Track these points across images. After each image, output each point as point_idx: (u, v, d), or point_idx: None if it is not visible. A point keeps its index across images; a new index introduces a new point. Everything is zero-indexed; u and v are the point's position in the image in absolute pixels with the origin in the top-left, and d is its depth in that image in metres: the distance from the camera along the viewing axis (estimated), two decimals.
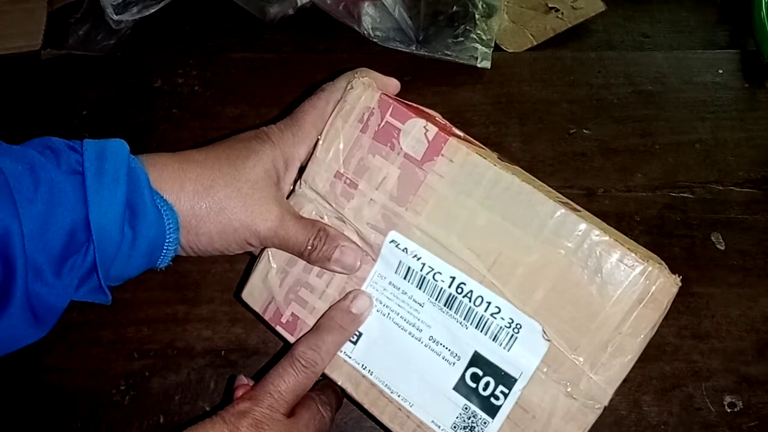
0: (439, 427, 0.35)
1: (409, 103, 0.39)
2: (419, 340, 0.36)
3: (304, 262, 0.39)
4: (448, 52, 0.66)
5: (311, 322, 0.39)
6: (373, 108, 0.37)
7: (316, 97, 0.38)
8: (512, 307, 0.34)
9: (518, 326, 0.34)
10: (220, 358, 0.49)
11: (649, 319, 0.32)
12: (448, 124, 0.40)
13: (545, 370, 0.33)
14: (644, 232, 0.55)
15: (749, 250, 0.54)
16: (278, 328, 0.40)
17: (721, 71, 0.65)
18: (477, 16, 0.67)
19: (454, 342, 0.35)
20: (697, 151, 0.60)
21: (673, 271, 0.33)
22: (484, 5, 0.68)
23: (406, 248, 0.36)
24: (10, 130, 0.61)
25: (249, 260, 0.49)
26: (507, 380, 0.34)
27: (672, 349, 0.49)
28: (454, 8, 0.67)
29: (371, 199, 0.37)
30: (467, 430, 0.35)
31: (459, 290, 0.35)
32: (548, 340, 0.33)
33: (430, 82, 0.65)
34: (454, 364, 0.35)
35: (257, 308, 0.40)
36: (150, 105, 0.63)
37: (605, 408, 0.33)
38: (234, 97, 0.64)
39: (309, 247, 0.37)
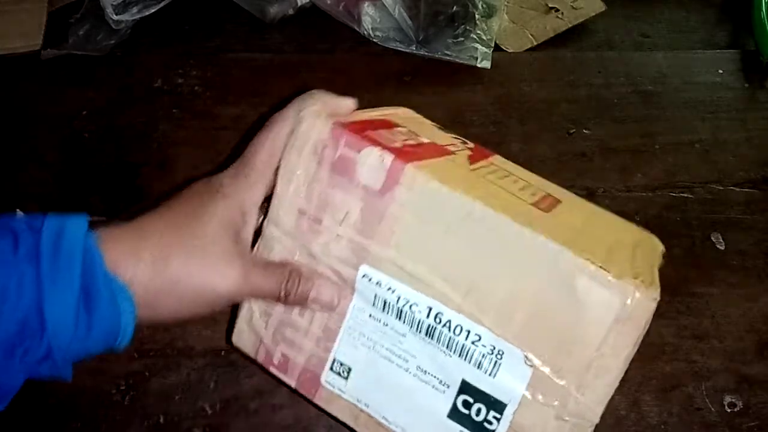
0: None
1: (369, 118, 0.38)
2: (407, 371, 0.36)
3: None
4: (448, 52, 0.66)
5: (301, 360, 0.38)
6: (326, 140, 0.35)
7: (266, 132, 0.36)
8: (492, 335, 0.33)
9: (500, 353, 0.33)
10: (220, 357, 0.49)
11: (628, 338, 0.31)
12: (413, 132, 0.39)
13: (533, 394, 0.33)
14: None
15: (749, 250, 0.54)
16: (272, 369, 0.39)
17: (721, 71, 0.65)
18: (477, 16, 0.67)
19: (441, 371, 0.35)
20: (697, 151, 0.60)
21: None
22: (484, 5, 0.68)
23: (379, 282, 0.35)
24: (10, 130, 0.61)
25: None
26: (497, 405, 0.34)
27: (672, 349, 0.49)
28: (454, 8, 0.67)
29: (337, 234, 0.35)
30: None
31: (437, 320, 0.34)
32: (531, 366, 0.33)
33: (430, 82, 0.65)
34: (444, 392, 0.35)
35: (248, 352, 0.39)
36: (150, 105, 0.63)
37: (604, 410, 0.33)
38: (234, 97, 0.64)
39: (283, 293, 0.36)
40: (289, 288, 0.36)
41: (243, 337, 0.39)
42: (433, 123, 0.43)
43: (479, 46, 0.66)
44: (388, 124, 0.38)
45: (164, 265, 0.33)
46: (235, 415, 0.47)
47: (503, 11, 0.70)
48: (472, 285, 0.33)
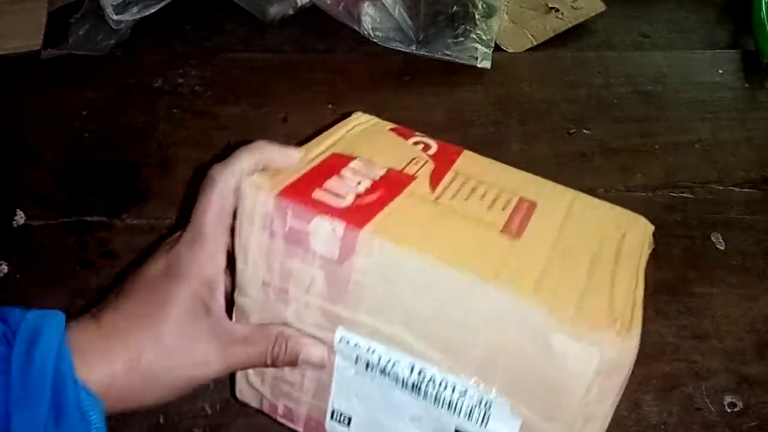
0: None
1: (317, 159, 0.36)
2: (403, 419, 0.36)
3: None
4: (448, 52, 0.66)
5: (303, 411, 0.38)
6: (272, 212, 0.33)
7: (209, 194, 0.34)
8: (476, 388, 0.33)
9: (488, 404, 0.33)
10: None
11: (612, 387, 0.30)
12: (367, 162, 0.37)
13: None
14: None
15: (749, 250, 0.54)
16: (278, 419, 0.39)
17: (721, 71, 0.65)
18: (477, 16, 0.67)
19: (434, 420, 0.35)
20: (697, 151, 0.60)
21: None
22: (484, 5, 0.68)
23: (357, 344, 0.34)
24: (10, 130, 0.61)
25: None
26: None
27: (672, 349, 0.49)
28: (454, 8, 0.67)
29: (306, 303, 0.35)
30: None
31: (421, 377, 0.34)
32: (520, 416, 0.32)
33: (430, 82, 0.65)
34: None
35: (254, 405, 0.39)
36: (150, 105, 0.63)
37: None
38: (234, 97, 0.64)
39: (269, 360, 0.35)
40: (276, 352, 0.35)
41: (245, 393, 0.39)
42: (391, 128, 0.41)
43: (479, 46, 0.66)
44: (337, 165, 0.36)
45: (137, 366, 0.32)
46: (234, 415, 0.47)
47: (503, 11, 0.70)
48: (449, 342, 0.32)
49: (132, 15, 0.66)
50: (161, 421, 0.47)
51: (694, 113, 0.62)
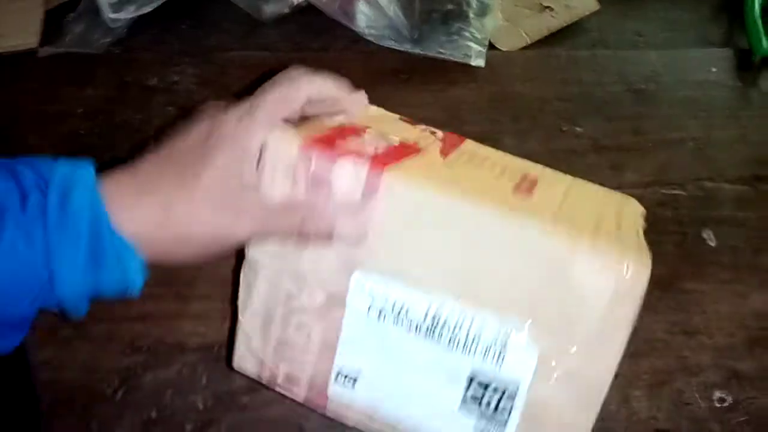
0: None
1: (337, 124, 0.37)
2: (412, 371, 0.35)
3: (280, 320, 0.37)
4: (442, 51, 0.66)
5: (305, 376, 0.38)
6: (296, 158, 0.35)
7: (282, 81, 0.36)
8: (493, 324, 0.33)
9: (504, 342, 0.34)
10: (212, 353, 0.49)
11: (628, 311, 0.31)
12: (382, 133, 0.38)
13: (541, 374, 0.33)
14: None
15: (740, 247, 0.54)
16: (278, 389, 0.39)
17: (714, 69, 0.65)
18: (471, 14, 0.67)
19: (446, 366, 0.35)
20: (689, 148, 0.60)
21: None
22: (478, 3, 0.68)
23: (371, 290, 0.35)
24: (8, 128, 0.62)
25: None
26: (508, 393, 0.34)
27: (662, 345, 0.49)
28: (448, 6, 0.67)
29: (324, 248, 0.36)
30: None
31: (435, 321, 0.34)
32: (536, 345, 0.33)
33: (424, 81, 0.65)
34: (453, 386, 0.35)
35: (252, 375, 0.40)
36: (146, 103, 0.63)
37: None
38: (230, 95, 0.64)
39: (298, 233, 0.35)
40: (307, 227, 0.35)
41: (244, 361, 0.40)
42: (400, 117, 0.42)
43: (473, 45, 0.66)
44: (356, 130, 0.38)
45: (167, 221, 0.33)
46: (226, 410, 0.47)
47: (497, 10, 0.70)
48: (469, 279, 0.33)
49: (128, 13, 0.66)
50: (153, 416, 0.47)
51: (687, 111, 0.62)
